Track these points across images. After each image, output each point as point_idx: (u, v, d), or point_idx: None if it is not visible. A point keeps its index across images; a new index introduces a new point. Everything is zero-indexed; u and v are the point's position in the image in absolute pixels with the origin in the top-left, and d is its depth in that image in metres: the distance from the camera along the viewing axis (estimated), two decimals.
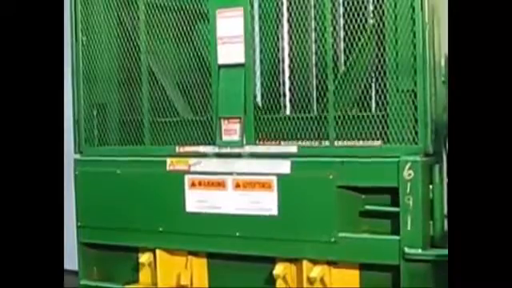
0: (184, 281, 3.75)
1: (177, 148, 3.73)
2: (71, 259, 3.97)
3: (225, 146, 3.60)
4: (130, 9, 3.90)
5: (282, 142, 3.51)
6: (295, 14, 3.54)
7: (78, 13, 4.03)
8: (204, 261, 3.77)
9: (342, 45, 3.50)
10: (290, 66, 3.68)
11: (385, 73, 3.27)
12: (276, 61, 3.74)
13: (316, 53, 3.57)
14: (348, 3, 3.38)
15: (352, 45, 3.38)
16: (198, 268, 3.77)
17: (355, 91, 3.40)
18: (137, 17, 3.85)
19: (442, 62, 3.28)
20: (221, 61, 3.60)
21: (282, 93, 3.70)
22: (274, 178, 3.45)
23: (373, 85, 3.40)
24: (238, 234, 3.54)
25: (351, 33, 3.37)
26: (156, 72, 3.84)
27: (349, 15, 3.37)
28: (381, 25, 3.30)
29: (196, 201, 3.66)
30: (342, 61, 3.52)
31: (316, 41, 3.56)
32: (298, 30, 3.57)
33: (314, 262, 3.39)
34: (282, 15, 3.68)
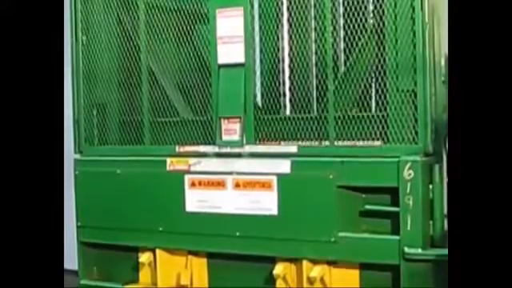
0: (184, 280, 3.75)
1: (177, 148, 3.73)
2: (71, 259, 3.97)
3: (225, 146, 3.60)
4: (129, 9, 3.90)
5: (282, 142, 3.51)
6: (295, 13, 3.54)
7: (78, 12, 4.03)
8: (204, 260, 3.77)
9: (342, 45, 3.51)
10: (290, 66, 3.68)
11: (385, 73, 3.27)
12: (276, 60, 3.74)
13: (316, 53, 3.57)
14: (348, 3, 3.38)
15: (352, 45, 3.38)
16: (198, 268, 3.77)
17: (355, 91, 3.40)
18: (137, 17, 3.85)
19: (442, 62, 3.28)
20: (221, 60, 3.61)
21: (282, 92, 3.70)
22: (274, 178, 3.45)
23: (373, 85, 3.40)
24: (237, 233, 3.54)
25: (351, 33, 3.37)
26: (156, 72, 3.84)
27: (349, 15, 3.37)
28: (381, 25, 3.30)
29: (196, 200, 3.66)
30: (342, 61, 3.52)
31: (316, 40, 3.56)
32: (298, 30, 3.57)
33: (314, 261, 3.39)
34: (282, 15, 3.68)
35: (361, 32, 3.35)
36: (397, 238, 3.19)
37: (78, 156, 4.07)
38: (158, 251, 3.77)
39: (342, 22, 3.47)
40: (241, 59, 3.55)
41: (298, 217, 3.40)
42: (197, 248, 3.73)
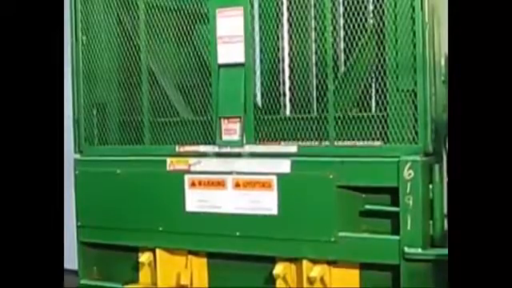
0: (184, 280, 3.75)
1: (177, 147, 3.73)
2: (71, 259, 3.97)
3: (225, 146, 3.60)
4: (129, 9, 3.90)
5: (282, 143, 3.51)
6: (295, 13, 3.54)
7: (78, 12, 4.03)
8: (204, 260, 3.77)
9: (342, 44, 3.51)
10: (290, 66, 3.68)
11: (385, 72, 3.27)
12: (276, 60, 3.74)
13: (316, 52, 3.57)
14: (348, 3, 3.37)
15: (352, 44, 3.38)
16: (198, 267, 3.77)
17: (355, 91, 3.40)
18: (137, 16, 3.85)
19: (442, 62, 3.28)
20: (221, 60, 3.61)
21: (282, 92, 3.70)
22: (274, 178, 3.45)
23: (373, 84, 3.40)
24: (237, 233, 3.54)
25: (351, 32, 3.37)
26: (156, 72, 3.84)
27: (349, 15, 3.37)
28: (381, 25, 3.30)
29: (196, 200, 3.66)
30: (342, 60, 3.52)
31: (316, 40, 3.56)
32: (298, 30, 3.57)
33: (314, 261, 3.39)
34: (282, 14, 3.68)
35: (361, 32, 3.35)
36: (397, 237, 3.19)
37: (77, 156, 4.07)
38: (157, 251, 3.77)
39: (341, 21, 3.47)
40: (241, 59, 3.55)
41: (297, 217, 3.40)
42: (197, 248, 3.73)
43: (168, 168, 3.72)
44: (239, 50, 3.56)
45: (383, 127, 3.28)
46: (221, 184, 3.59)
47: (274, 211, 3.45)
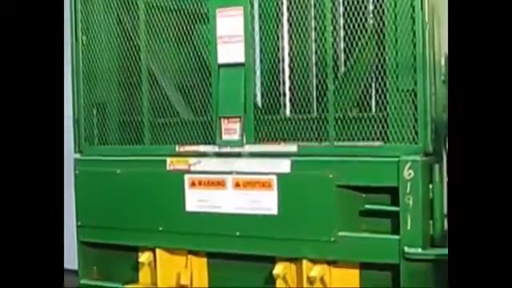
0: (184, 280, 3.75)
1: (177, 147, 3.73)
2: (71, 258, 3.97)
3: (225, 146, 3.60)
4: (129, 9, 3.90)
5: (282, 143, 3.51)
6: (295, 13, 3.54)
7: (78, 12, 4.03)
8: (204, 260, 3.77)
9: (342, 44, 3.51)
10: (290, 66, 3.68)
11: (385, 72, 3.27)
12: (276, 60, 3.74)
13: (316, 52, 3.57)
14: (348, 3, 3.37)
15: (352, 44, 3.38)
16: (198, 267, 3.77)
17: (355, 91, 3.40)
18: (137, 16, 3.85)
19: (442, 62, 3.28)
20: (221, 60, 3.61)
21: (282, 92, 3.70)
22: (274, 178, 3.45)
23: (373, 84, 3.40)
24: (237, 233, 3.54)
25: (351, 32, 3.37)
26: (156, 72, 3.84)
27: (349, 15, 3.37)
28: (381, 24, 3.30)
29: (196, 200, 3.66)
30: (342, 60, 3.52)
31: (316, 40, 3.56)
32: (298, 30, 3.57)
33: (314, 261, 3.39)
34: (282, 14, 3.68)
35: (361, 32, 3.35)
36: (397, 237, 3.19)
37: (77, 156, 4.07)
38: (157, 251, 3.77)
39: (342, 21, 3.47)
40: (241, 59, 3.55)
41: (297, 216, 3.40)
42: (197, 248, 3.73)
43: (168, 168, 3.72)
44: (239, 50, 3.56)
45: (383, 127, 3.28)
46: (221, 184, 3.59)
47: (274, 211, 3.45)
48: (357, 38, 3.36)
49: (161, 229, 3.75)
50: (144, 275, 3.89)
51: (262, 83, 3.67)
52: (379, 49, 3.32)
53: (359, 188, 3.33)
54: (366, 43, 3.36)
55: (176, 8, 3.79)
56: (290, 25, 3.64)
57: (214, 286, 3.75)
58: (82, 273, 4.08)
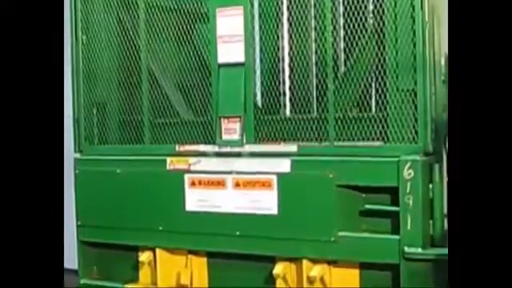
0: (184, 280, 3.75)
1: (177, 147, 3.73)
2: (71, 258, 3.97)
3: (225, 145, 3.60)
4: (130, 8, 3.90)
5: (282, 143, 3.51)
6: (295, 12, 3.54)
7: (78, 12, 4.03)
8: (204, 260, 3.78)
9: (342, 44, 3.51)
10: (290, 65, 3.68)
11: (385, 72, 3.27)
12: (276, 60, 3.74)
13: (316, 52, 3.57)
14: (348, 3, 3.37)
15: (352, 44, 3.38)
16: (198, 267, 3.77)
17: (355, 91, 3.40)
18: (137, 16, 3.85)
19: (442, 61, 3.28)
20: (221, 60, 3.60)
21: (282, 92, 3.70)
22: (274, 177, 3.45)
23: (373, 84, 3.40)
24: (237, 233, 3.54)
25: (351, 32, 3.37)
26: (156, 71, 3.84)
27: (349, 15, 3.37)
28: (381, 24, 3.30)
29: (196, 200, 3.66)
30: (342, 60, 3.52)
31: (316, 40, 3.56)
32: (298, 29, 3.57)
33: (314, 261, 3.39)
34: (282, 14, 3.67)
35: (361, 32, 3.35)
36: (397, 237, 3.19)
37: (77, 155, 4.07)
38: (157, 250, 3.77)
39: (342, 21, 3.47)
40: (241, 58, 3.55)
41: (297, 216, 3.40)
42: (197, 247, 3.73)
43: (168, 167, 3.72)
44: (239, 50, 3.56)
45: (383, 127, 3.28)
46: (221, 183, 3.59)
47: (274, 211, 3.45)
48: (357, 37, 3.36)
49: (161, 228, 3.75)
50: (144, 275, 3.89)
51: (262, 83, 3.68)
52: (379, 48, 3.32)
53: (359, 188, 3.33)
54: (366, 43, 3.36)
55: (176, 7, 3.79)
56: (290, 24, 3.64)
57: (214, 286, 3.75)
58: (82, 272, 4.08)
